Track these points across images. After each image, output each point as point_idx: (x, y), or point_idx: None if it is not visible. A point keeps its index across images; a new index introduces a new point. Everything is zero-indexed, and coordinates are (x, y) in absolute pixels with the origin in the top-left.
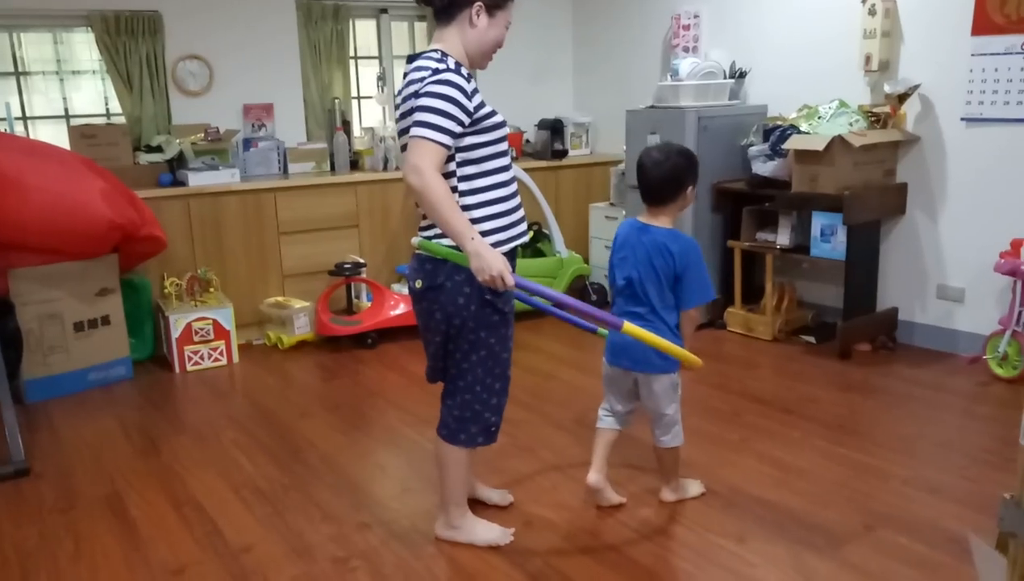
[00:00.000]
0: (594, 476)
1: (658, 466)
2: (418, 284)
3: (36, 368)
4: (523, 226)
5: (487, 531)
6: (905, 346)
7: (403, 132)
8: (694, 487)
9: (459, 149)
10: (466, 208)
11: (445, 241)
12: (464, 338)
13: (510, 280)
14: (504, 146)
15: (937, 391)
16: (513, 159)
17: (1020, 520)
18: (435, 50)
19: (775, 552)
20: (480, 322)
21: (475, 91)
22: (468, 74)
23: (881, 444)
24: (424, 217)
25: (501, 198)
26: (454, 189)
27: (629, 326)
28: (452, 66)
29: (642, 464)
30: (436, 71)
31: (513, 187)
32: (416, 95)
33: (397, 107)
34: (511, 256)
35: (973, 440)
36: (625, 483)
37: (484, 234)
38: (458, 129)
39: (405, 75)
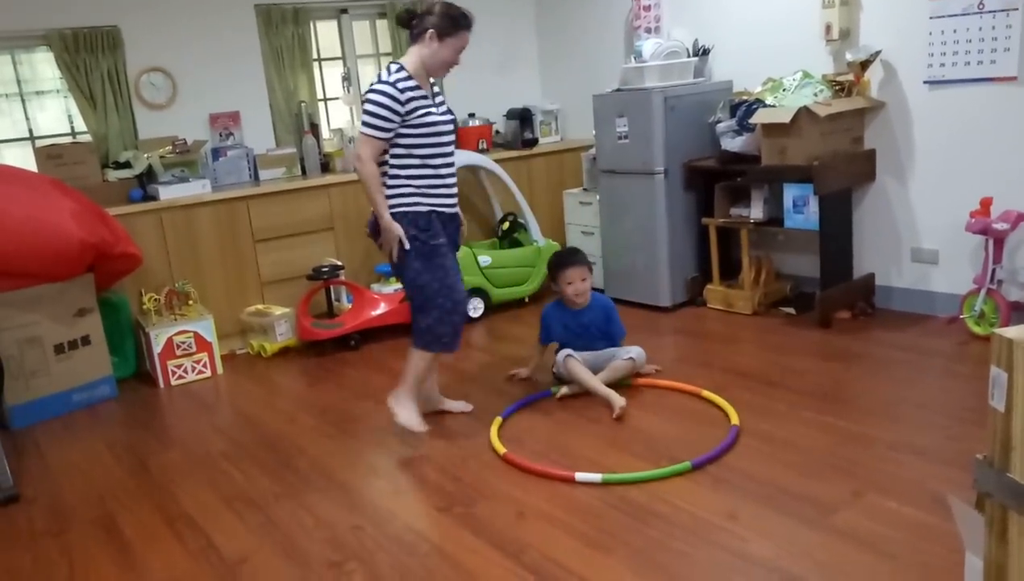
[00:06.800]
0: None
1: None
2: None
3: (19, 393)
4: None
5: (410, 416)
6: (884, 310)
7: None
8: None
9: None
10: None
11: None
12: None
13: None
14: (435, 140)
15: (918, 353)
16: (482, 151)
17: (994, 480)
18: (394, 61)
19: (767, 526)
20: None
21: (411, 98)
22: (416, 83)
23: (865, 410)
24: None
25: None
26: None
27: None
28: (388, 77)
29: (645, 454)
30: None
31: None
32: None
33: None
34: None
35: (955, 400)
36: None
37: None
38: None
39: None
